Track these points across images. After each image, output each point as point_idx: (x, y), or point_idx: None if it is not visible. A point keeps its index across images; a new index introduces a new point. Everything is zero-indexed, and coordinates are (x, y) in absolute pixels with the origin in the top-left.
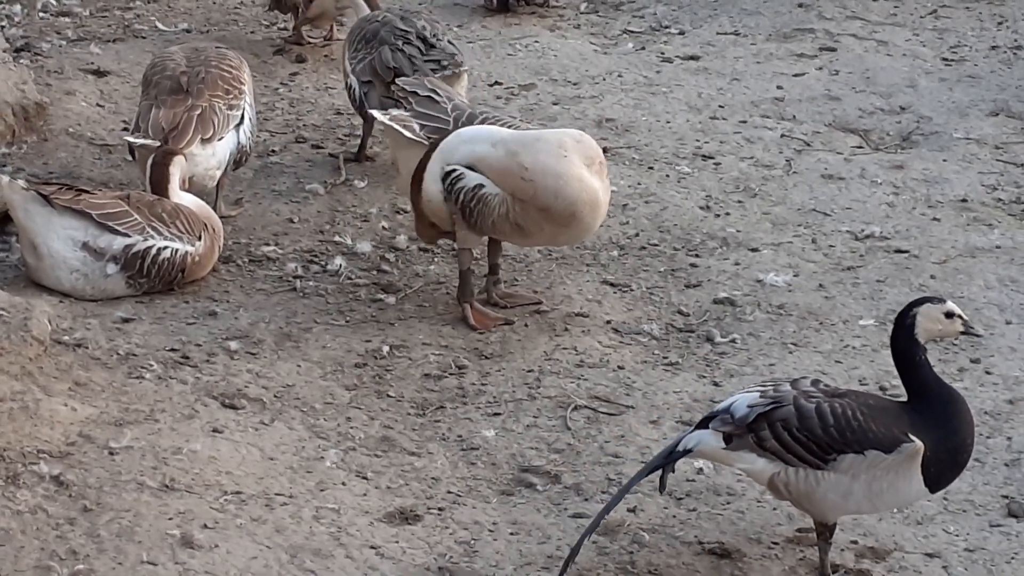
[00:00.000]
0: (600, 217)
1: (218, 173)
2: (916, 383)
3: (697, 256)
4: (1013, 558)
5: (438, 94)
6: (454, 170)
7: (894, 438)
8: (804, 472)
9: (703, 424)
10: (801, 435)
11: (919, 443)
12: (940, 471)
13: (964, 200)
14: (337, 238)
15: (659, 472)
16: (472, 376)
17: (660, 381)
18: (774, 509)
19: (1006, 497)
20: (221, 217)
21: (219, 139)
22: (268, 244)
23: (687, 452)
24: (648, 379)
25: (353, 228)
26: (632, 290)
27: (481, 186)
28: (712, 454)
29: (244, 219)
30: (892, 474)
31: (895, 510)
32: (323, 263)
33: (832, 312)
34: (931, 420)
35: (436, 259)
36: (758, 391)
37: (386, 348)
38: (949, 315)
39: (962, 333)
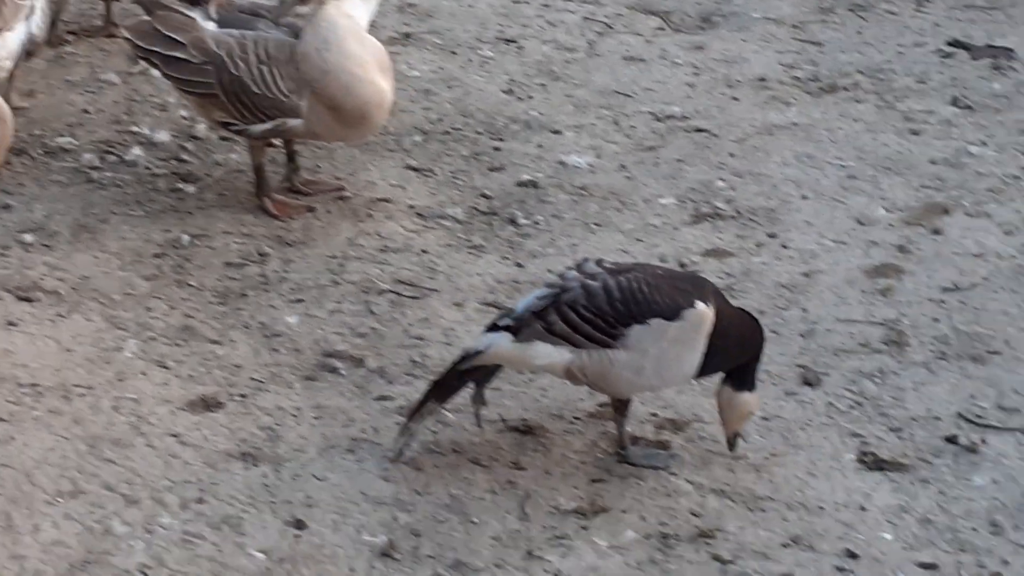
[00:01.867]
0: (386, 116)
1: (9, 64)
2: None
3: (500, 140)
4: (807, 424)
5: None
6: None
7: (677, 305)
8: (597, 354)
9: (493, 328)
10: (588, 313)
11: (703, 307)
12: (723, 358)
13: (762, 79)
14: (135, 128)
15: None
16: (275, 263)
17: (464, 264)
18: (578, 386)
19: (801, 367)
20: (13, 108)
21: (9, 30)
22: (63, 135)
23: (478, 354)
24: (452, 262)
25: (151, 118)
26: (435, 175)
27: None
28: (505, 354)
29: (37, 110)
30: (679, 346)
31: (691, 383)
32: (120, 154)
33: (633, 192)
34: (735, 312)
35: (237, 147)
36: (545, 287)
37: (186, 238)
38: (747, 417)
39: (729, 436)
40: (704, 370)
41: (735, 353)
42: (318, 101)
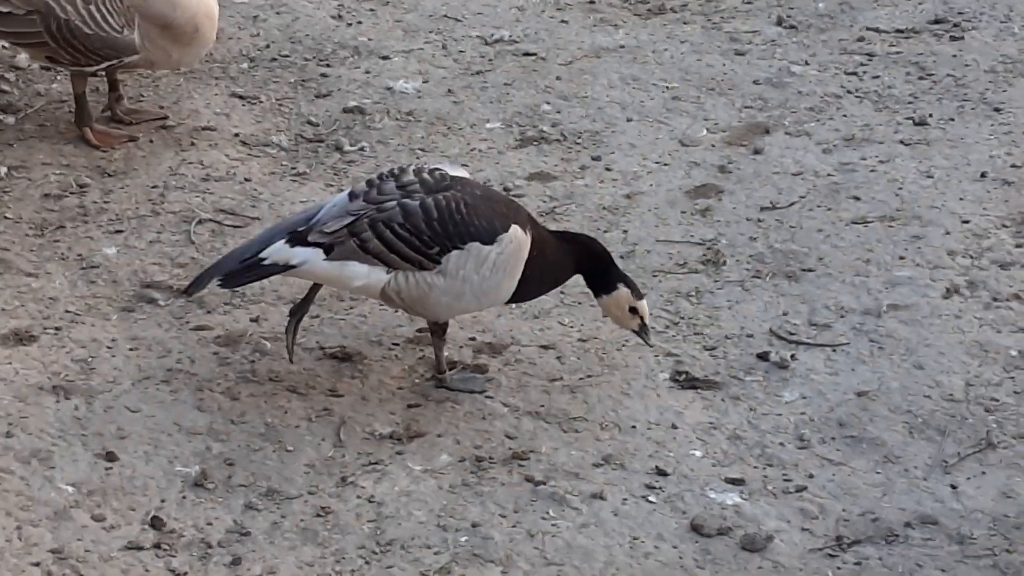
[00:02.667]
0: (215, 30)
1: None
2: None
3: (328, 66)
4: (623, 345)
5: None
6: None
7: (494, 229)
8: (414, 276)
9: (299, 238)
10: (405, 231)
11: (519, 232)
12: (534, 285)
13: (591, 2)
14: None
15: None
16: (94, 194)
17: (287, 192)
18: (396, 312)
19: None
20: None
21: None
22: None
23: (288, 267)
24: (275, 190)
25: None
26: (261, 102)
27: None
28: (319, 273)
29: None
30: (497, 270)
31: (507, 305)
32: None
33: (460, 116)
34: (553, 241)
35: (59, 77)
36: (362, 192)
37: (3, 169)
38: (633, 311)
39: (634, 331)
40: (518, 295)
41: (549, 279)
42: (149, 25)
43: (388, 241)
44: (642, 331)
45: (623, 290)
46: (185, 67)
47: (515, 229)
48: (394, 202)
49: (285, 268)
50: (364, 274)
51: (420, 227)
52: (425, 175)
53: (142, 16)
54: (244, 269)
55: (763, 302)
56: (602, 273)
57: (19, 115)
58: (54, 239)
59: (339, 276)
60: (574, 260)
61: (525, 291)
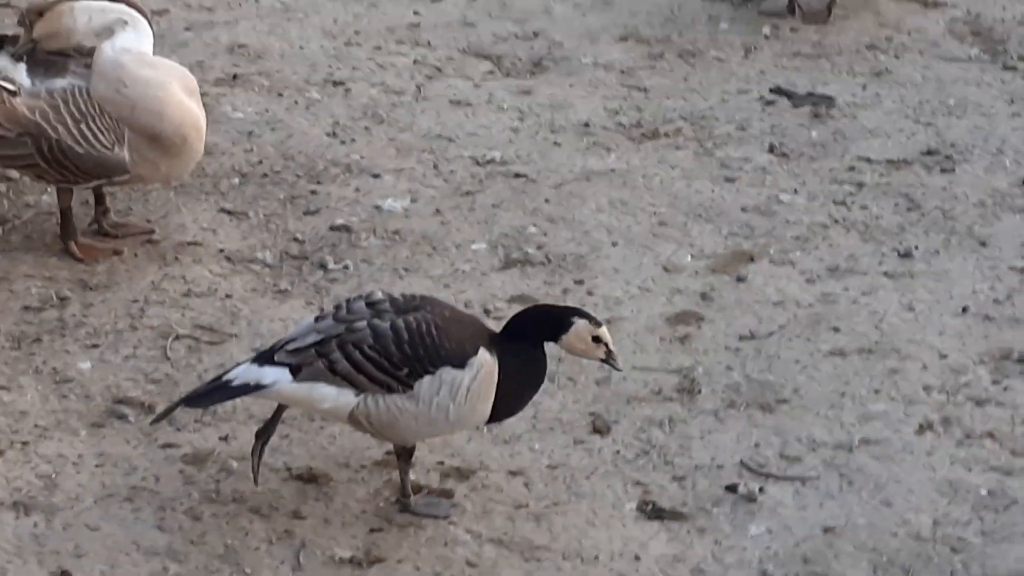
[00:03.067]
0: (203, 143)
1: None
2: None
3: (319, 183)
4: (592, 473)
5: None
6: None
7: (463, 353)
8: (384, 400)
9: (266, 357)
10: (374, 353)
11: (485, 355)
12: (505, 405)
13: (586, 124)
14: None
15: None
16: (74, 307)
17: (267, 309)
18: (365, 434)
19: (592, 414)
20: None
21: None
22: None
23: (259, 387)
24: (255, 307)
25: None
26: (249, 218)
27: None
28: (288, 394)
29: None
30: (473, 397)
31: (477, 430)
32: None
33: (446, 237)
34: (518, 358)
35: (50, 189)
36: (330, 316)
37: None
38: (596, 340)
39: (602, 360)
40: (495, 415)
41: (527, 384)
42: (137, 139)
43: (357, 363)
44: (609, 357)
45: (580, 323)
46: (175, 180)
47: (482, 352)
48: (364, 322)
49: (255, 388)
50: (332, 396)
51: (390, 349)
52: (395, 295)
53: (131, 129)
54: (210, 391)
55: (736, 432)
56: (554, 321)
57: (6, 226)
58: (30, 352)
59: (307, 398)
60: (532, 345)
61: (505, 408)
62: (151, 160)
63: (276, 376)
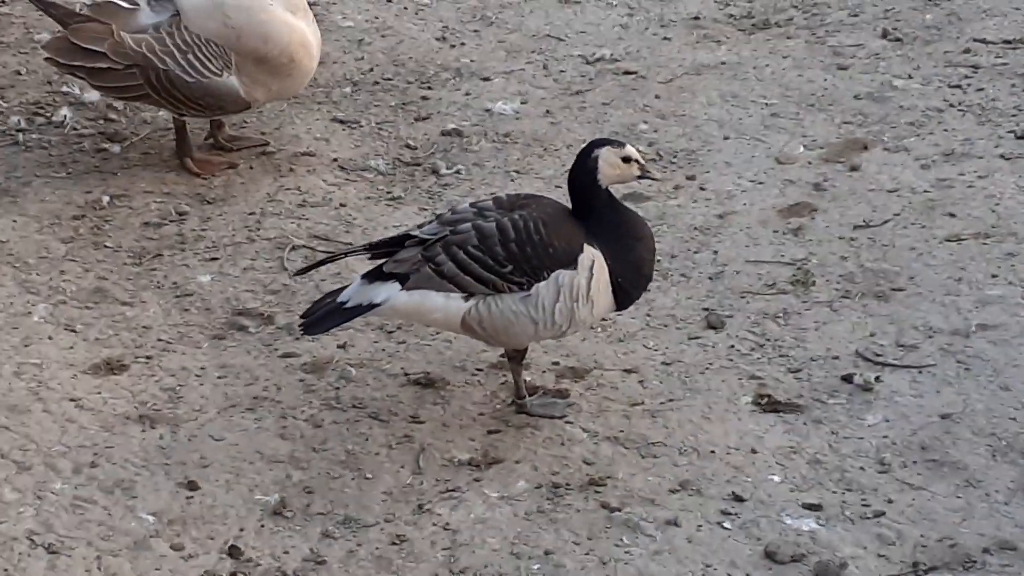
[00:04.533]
0: (315, 58)
1: None
2: (595, 216)
3: (429, 88)
4: (707, 368)
5: None
6: None
7: (571, 250)
8: (498, 305)
9: (375, 273)
10: (479, 252)
11: (590, 250)
12: (626, 285)
13: (696, 18)
14: (65, 88)
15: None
16: (193, 222)
17: (381, 216)
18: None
19: (706, 310)
20: None
21: None
22: None
23: (372, 307)
24: (369, 215)
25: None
26: (361, 126)
27: None
28: (401, 309)
29: None
30: (593, 293)
31: (592, 329)
32: (49, 115)
33: (556, 137)
34: (608, 232)
35: None
36: (435, 222)
37: (107, 198)
38: (627, 160)
39: (638, 177)
40: (621, 301)
41: (641, 265)
42: (245, 62)
43: (463, 263)
44: (644, 171)
45: (601, 151)
46: (287, 97)
47: (587, 248)
48: (468, 223)
49: (367, 308)
50: (442, 304)
51: (495, 249)
52: (500, 195)
53: (237, 54)
54: (326, 314)
55: (851, 323)
56: (584, 170)
57: (124, 143)
58: (151, 267)
59: (418, 310)
60: (605, 207)
61: (629, 288)
62: (261, 82)
63: (387, 293)
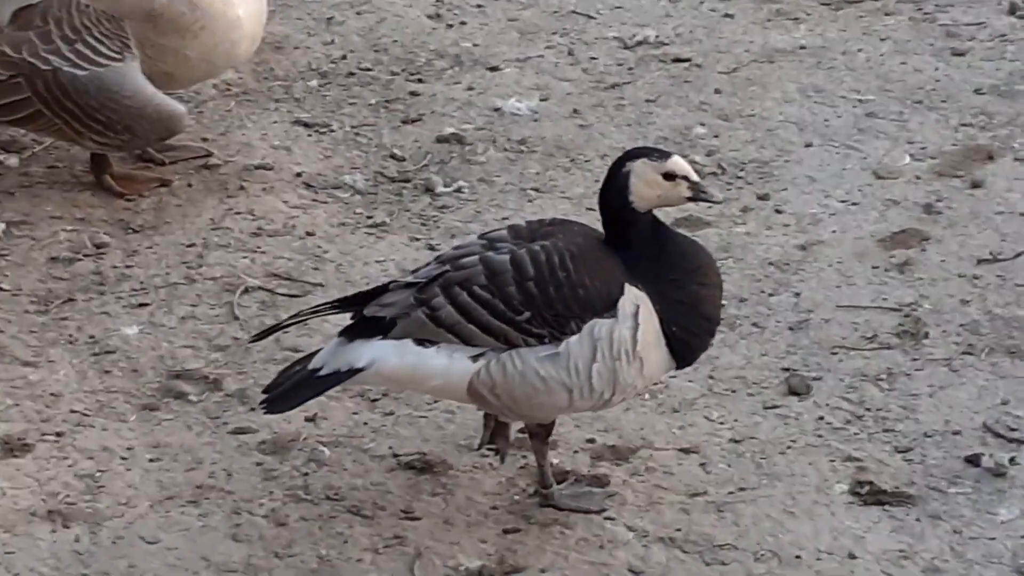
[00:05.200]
0: (243, 34)
1: None
2: (636, 247)
3: (420, 81)
4: (789, 447)
5: None
6: None
7: (608, 292)
8: (514, 363)
9: (356, 328)
10: (486, 294)
11: (634, 291)
12: (682, 334)
13: None
14: None
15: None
16: (114, 257)
17: (360, 248)
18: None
19: (786, 370)
20: None
21: None
22: None
23: (353, 373)
24: (345, 247)
25: None
26: (333, 131)
27: None
28: (387, 373)
29: None
30: (640, 347)
31: (640, 396)
32: None
33: (587, 145)
34: (652, 266)
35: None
36: (432, 263)
37: (1, 226)
38: (669, 176)
39: (689, 199)
40: (682, 358)
41: (702, 308)
42: (142, 28)
43: (466, 308)
44: (697, 192)
45: (635, 165)
46: (221, 68)
47: (628, 288)
48: (475, 257)
49: (348, 375)
50: (443, 366)
51: (508, 291)
52: (519, 223)
53: (130, 20)
54: (294, 387)
55: (976, 387)
56: (614, 186)
57: (24, 155)
58: (60, 316)
59: (412, 374)
60: (648, 236)
61: (687, 342)
62: (170, 50)
63: (373, 354)
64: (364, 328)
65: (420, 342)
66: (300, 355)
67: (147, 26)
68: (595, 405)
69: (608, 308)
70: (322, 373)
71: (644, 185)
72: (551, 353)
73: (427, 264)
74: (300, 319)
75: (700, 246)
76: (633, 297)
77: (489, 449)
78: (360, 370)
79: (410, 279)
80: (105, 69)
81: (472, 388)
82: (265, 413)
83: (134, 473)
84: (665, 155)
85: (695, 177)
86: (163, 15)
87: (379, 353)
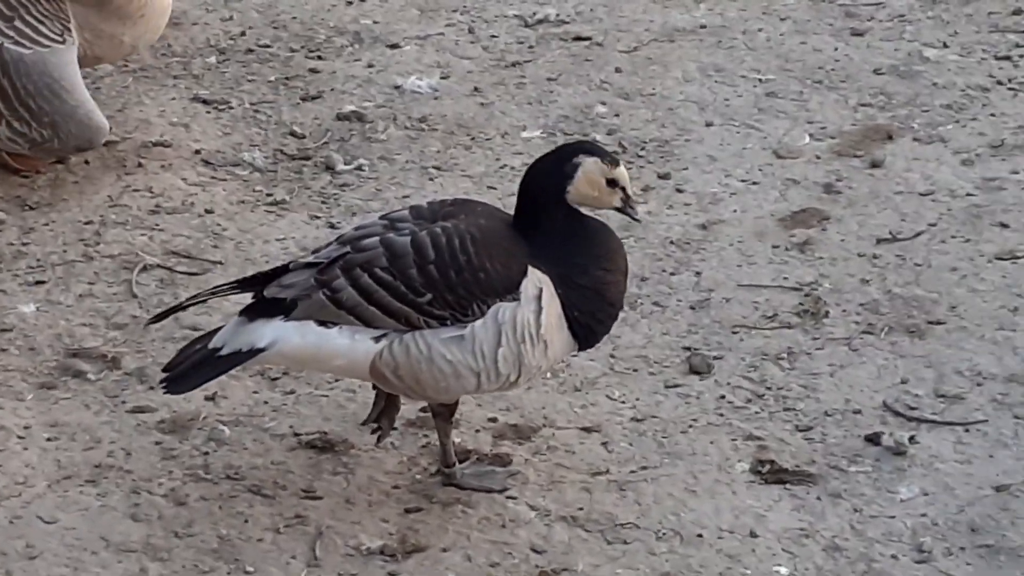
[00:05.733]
0: (166, 19)
1: None
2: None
3: (320, 59)
4: (690, 426)
5: None
6: None
7: (510, 274)
8: (418, 345)
9: (257, 307)
10: (388, 276)
11: (537, 273)
12: (584, 316)
13: None
14: None
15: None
16: (10, 234)
17: (260, 226)
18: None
19: (688, 349)
20: None
21: None
22: None
23: (254, 354)
24: (244, 224)
25: None
26: (231, 108)
27: None
28: (291, 353)
29: None
30: (544, 329)
31: (544, 376)
32: None
33: (488, 123)
34: (557, 249)
35: None
36: (333, 243)
37: None
38: (612, 183)
39: (616, 209)
40: (584, 341)
41: (606, 291)
42: (84, 11)
43: (367, 290)
44: (626, 205)
45: (588, 161)
46: (143, 48)
47: (531, 271)
48: (376, 238)
49: (248, 355)
50: (346, 347)
51: (409, 273)
52: (420, 204)
53: (72, 3)
54: (194, 367)
55: (876, 366)
56: (556, 171)
57: None
58: None
59: (316, 355)
60: (563, 220)
61: (590, 324)
62: (109, 34)
63: (274, 334)
64: (265, 308)
65: (322, 323)
66: (200, 333)
67: (92, 11)
68: (501, 387)
69: (511, 291)
70: (223, 353)
71: (587, 183)
72: (455, 335)
73: (328, 244)
74: (199, 300)
75: (610, 231)
76: (536, 280)
77: (372, 428)
78: (262, 350)
79: (311, 259)
80: (48, 51)
81: (375, 368)
82: (165, 393)
83: (31, 452)
84: (615, 161)
85: (631, 191)
86: (111, 2)
87: (280, 333)
